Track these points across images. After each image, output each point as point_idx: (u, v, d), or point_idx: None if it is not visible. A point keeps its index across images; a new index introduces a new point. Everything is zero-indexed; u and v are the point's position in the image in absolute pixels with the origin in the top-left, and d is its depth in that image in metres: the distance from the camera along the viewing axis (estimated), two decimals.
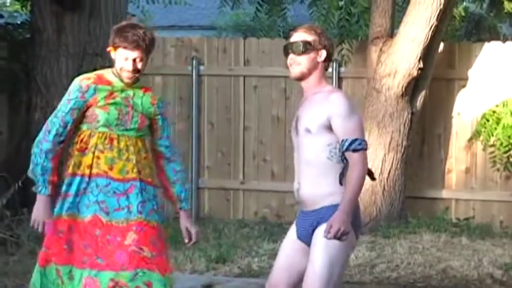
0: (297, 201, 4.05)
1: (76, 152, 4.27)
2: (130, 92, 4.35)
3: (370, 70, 8.40)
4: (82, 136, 4.29)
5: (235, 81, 9.01)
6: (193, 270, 6.71)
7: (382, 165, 8.25)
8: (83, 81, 4.31)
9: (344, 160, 3.87)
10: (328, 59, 4.00)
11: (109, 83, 4.32)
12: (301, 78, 3.99)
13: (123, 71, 4.28)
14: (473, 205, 8.67)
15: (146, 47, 4.29)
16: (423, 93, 8.38)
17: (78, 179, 4.25)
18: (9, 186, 7.03)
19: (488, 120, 8.46)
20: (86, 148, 4.27)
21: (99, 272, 4.19)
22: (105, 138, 4.28)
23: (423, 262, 6.97)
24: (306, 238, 3.97)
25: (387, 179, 8.27)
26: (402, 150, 8.31)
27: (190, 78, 8.99)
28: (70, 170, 4.27)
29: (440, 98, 8.71)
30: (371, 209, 8.26)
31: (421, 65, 8.03)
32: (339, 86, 8.72)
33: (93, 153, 4.26)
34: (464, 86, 8.67)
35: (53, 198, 4.27)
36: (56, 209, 4.25)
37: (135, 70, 4.27)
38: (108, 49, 4.32)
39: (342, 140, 3.85)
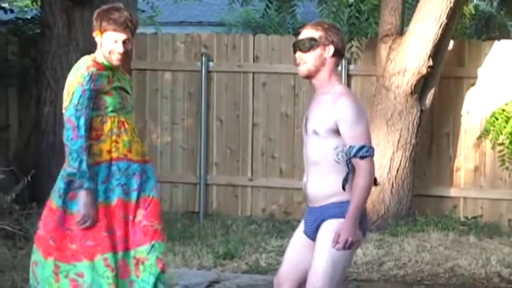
0: (304, 195, 4.07)
1: (93, 141, 4.30)
2: (119, 76, 4.44)
3: (379, 68, 8.39)
4: (94, 124, 4.32)
5: (244, 78, 9.01)
6: (200, 266, 6.72)
7: (390, 163, 8.24)
8: (89, 69, 4.30)
9: (349, 165, 3.87)
10: (338, 55, 3.96)
11: (104, 68, 4.36)
12: (309, 76, 3.97)
13: (112, 54, 4.32)
14: (481, 204, 8.66)
15: (134, 28, 4.36)
16: (432, 91, 8.37)
17: (101, 166, 4.33)
18: (19, 180, 7.06)
19: (497, 119, 8.44)
20: (102, 134, 4.34)
21: (125, 252, 4.35)
22: (118, 122, 4.37)
23: (431, 260, 6.97)
24: (311, 234, 4.00)
25: (395, 177, 8.26)
26: (411, 148, 8.30)
27: (199, 75, 8.99)
28: (92, 160, 4.29)
29: (450, 96, 8.70)
30: (379, 207, 8.25)
31: (431, 63, 8.02)
32: (348, 84, 8.70)
33: (110, 137, 4.34)
34: (473, 85, 8.66)
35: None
36: (100, 200, 4.34)
37: (126, 52, 4.33)
38: (94, 34, 4.36)
39: (350, 147, 3.84)
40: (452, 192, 8.70)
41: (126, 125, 4.38)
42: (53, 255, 4.31)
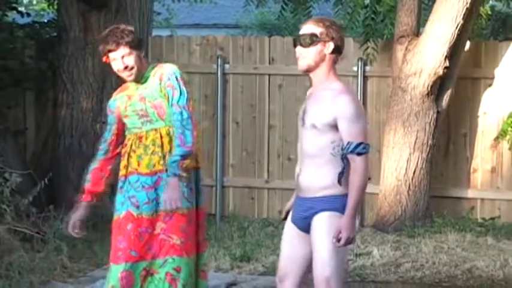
0: (295, 185, 4.14)
1: (121, 158, 4.58)
2: (143, 86, 4.52)
3: (395, 69, 8.37)
4: (125, 142, 4.59)
5: (260, 80, 9.01)
6: (217, 269, 6.73)
7: (407, 164, 8.22)
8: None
9: (344, 160, 3.92)
10: (337, 52, 4.02)
11: (127, 88, 4.57)
12: (308, 70, 4.03)
13: (120, 73, 4.49)
14: (498, 205, 8.62)
15: (127, 42, 4.44)
16: (449, 92, 8.34)
17: (119, 180, 4.54)
18: (36, 183, 7.09)
19: None
20: (126, 152, 4.55)
21: (133, 264, 4.42)
22: (137, 138, 4.51)
23: (448, 262, 6.94)
24: (299, 222, 4.09)
25: (412, 179, 8.24)
26: (427, 150, 8.27)
27: (215, 77, 9.00)
28: (119, 176, 4.59)
29: (466, 97, 8.67)
30: (396, 208, 8.23)
31: (447, 64, 7.99)
32: (364, 85, 8.70)
33: (128, 154, 4.52)
34: (490, 85, 8.63)
35: (90, 203, 4.67)
36: (115, 213, 4.55)
37: (126, 67, 4.43)
38: (103, 60, 4.53)
39: (348, 143, 3.89)
40: (470, 193, 8.66)
41: (144, 139, 4.49)
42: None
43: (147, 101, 4.47)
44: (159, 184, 4.43)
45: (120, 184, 4.51)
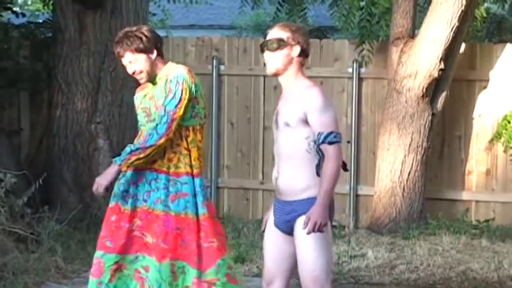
0: (275, 189, 4.15)
1: None
2: (156, 85, 4.57)
3: (390, 71, 8.38)
4: None
5: (255, 81, 9.01)
6: None
7: (402, 166, 8.23)
8: None
9: (320, 152, 3.97)
10: (304, 55, 4.11)
11: (146, 87, 4.61)
12: (277, 73, 4.13)
13: (133, 76, 4.56)
14: (493, 207, 8.63)
15: (133, 49, 4.47)
16: (444, 94, 8.35)
17: (121, 173, 4.55)
18: (30, 183, 7.08)
19: (509, 122, 8.42)
20: None
21: (105, 254, 4.46)
22: (138, 135, 4.58)
23: (443, 264, 6.95)
24: (281, 225, 4.12)
25: (407, 180, 8.24)
26: (422, 152, 8.28)
27: (210, 78, 9.00)
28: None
29: (461, 99, 8.68)
30: (391, 210, 8.24)
31: (442, 66, 8.00)
32: (359, 87, 8.70)
33: None
34: (485, 87, 8.63)
35: None
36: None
37: (134, 72, 4.51)
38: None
39: (318, 133, 3.95)
40: (464, 195, 8.67)
41: (140, 136, 4.54)
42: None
43: (154, 101, 4.53)
44: (141, 181, 4.48)
45: (120, 176, 4.50)
